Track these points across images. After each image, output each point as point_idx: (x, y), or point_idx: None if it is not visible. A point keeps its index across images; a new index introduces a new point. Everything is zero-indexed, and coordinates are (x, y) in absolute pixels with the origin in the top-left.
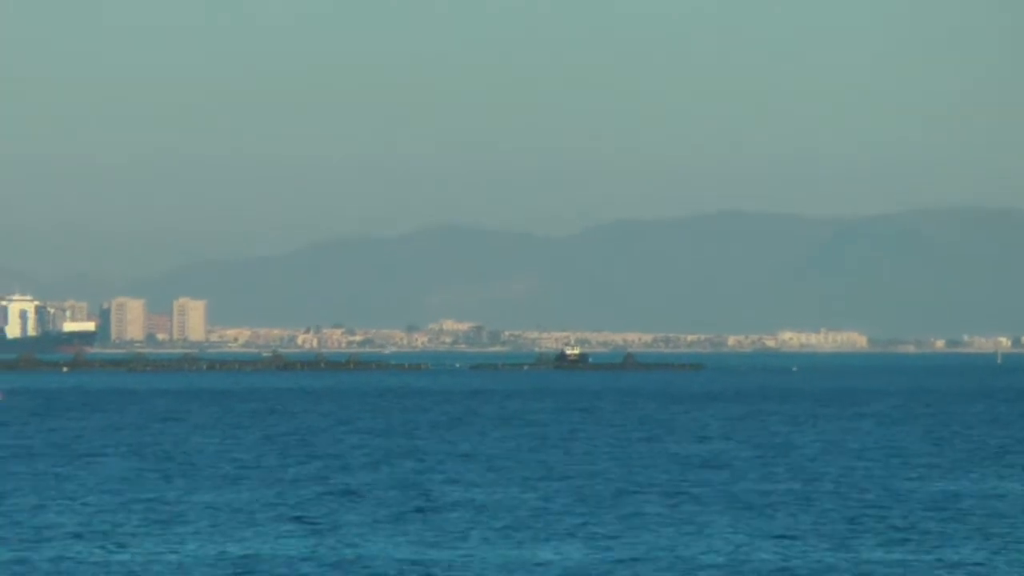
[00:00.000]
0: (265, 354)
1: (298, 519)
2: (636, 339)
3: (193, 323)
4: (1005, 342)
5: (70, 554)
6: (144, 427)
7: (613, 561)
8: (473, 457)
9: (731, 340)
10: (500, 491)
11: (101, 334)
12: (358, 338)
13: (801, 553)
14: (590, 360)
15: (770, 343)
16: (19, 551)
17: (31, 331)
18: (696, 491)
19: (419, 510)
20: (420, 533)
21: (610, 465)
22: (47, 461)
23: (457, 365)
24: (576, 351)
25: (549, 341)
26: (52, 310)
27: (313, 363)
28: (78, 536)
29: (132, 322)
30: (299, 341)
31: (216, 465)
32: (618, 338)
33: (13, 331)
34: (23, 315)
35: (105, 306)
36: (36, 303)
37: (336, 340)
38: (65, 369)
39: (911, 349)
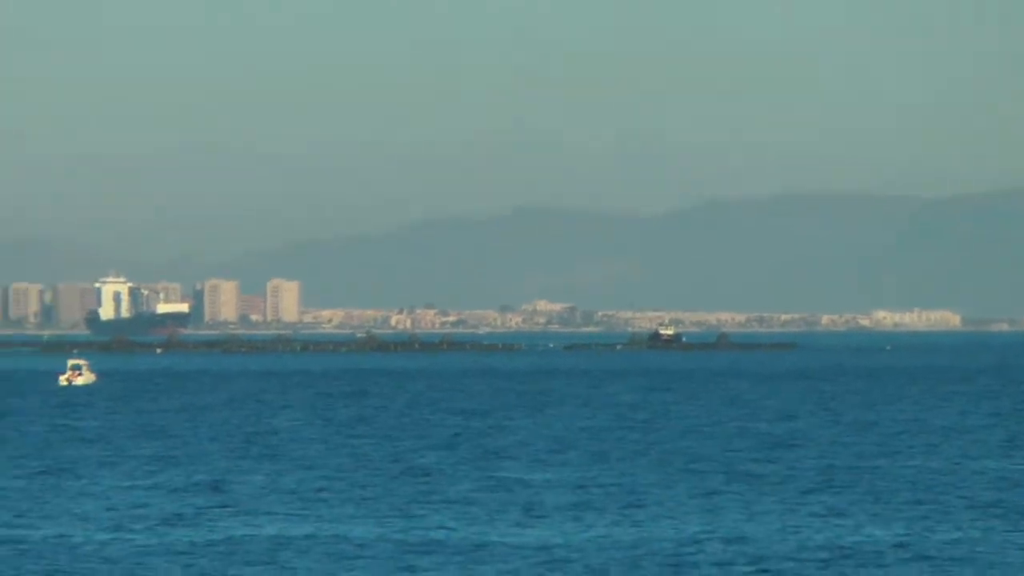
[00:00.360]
0: (359, 335)
1: (366, 501)
2: (729, 319)
3: (287, 304)
4: None
5: (154, 539)
6: (232, 408)
7: (679, 540)
8: (557, 438)
9: (824, 319)
10: (572, 471)
11: (195, 315)
12: (451, 319)
13: (854, 531)
14: (683, 340)
15: (863, 322)
16: (110, 532)
17: (125, 313)
18: (764, 469)
19: (494, 489)
20: (506, 514)
21: (692, 443)
22: (134, 442)
23: (551, 345)
24: (670, 331)
25: (642, 321)
26: (146, 292)
27: (407, 344)
28: (165, 521)
29: (226, 303)
30: (393, 322)
31: (294, 446)
32: (711, 318)
33: (107, 313)
34: (117, 297)
35: (199, 287)
36: (130, 285)
37: (430, 321)
38: (159, 351)
39: (1004, 327)
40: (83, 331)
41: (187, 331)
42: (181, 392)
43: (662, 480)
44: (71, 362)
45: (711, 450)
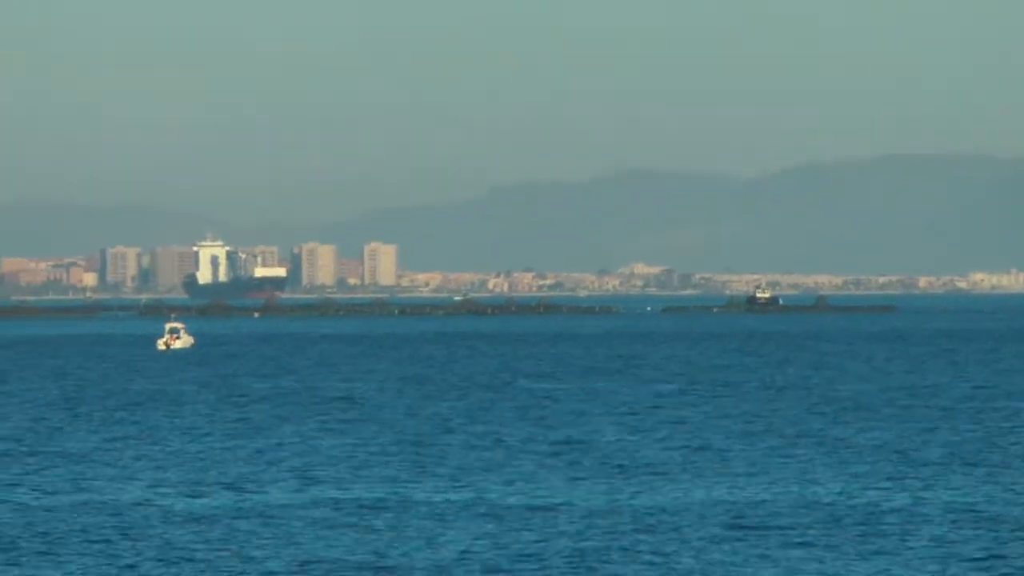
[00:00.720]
0: (456, 298)
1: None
2: (827, 281)
3: (384, 268)
4: None
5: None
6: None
7: (734, 502)
8: (634, 402)
9: (922, 281)
10: (634, 438)
11: (292, 279)
12: (548, 282)
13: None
14: (780, 303)
15: (961, 284)
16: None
17: (222, 277)
18: (823, 434)
19: (559, 452)
20: (569, 476)
21: (756, 406)
22: (226, 406)
23: (648, 308)
24: (767, 294)
25: (739, 284)
26: (243, 256)
27: (503, 307)
28: (228, 486)
29: (323, 267)
30: (490, 285)
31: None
32: (809, 280)
33: (204, 277)
34: (214, 261)
35: (296, 251)
36: (227, 249)
37: (527, 284)
38: (256, 315)
39: None
40: (181, 295)
41: (284, 295)
42: (275, 357)
43: (734, 444)
44: (169, 326)
45: (778, 415)
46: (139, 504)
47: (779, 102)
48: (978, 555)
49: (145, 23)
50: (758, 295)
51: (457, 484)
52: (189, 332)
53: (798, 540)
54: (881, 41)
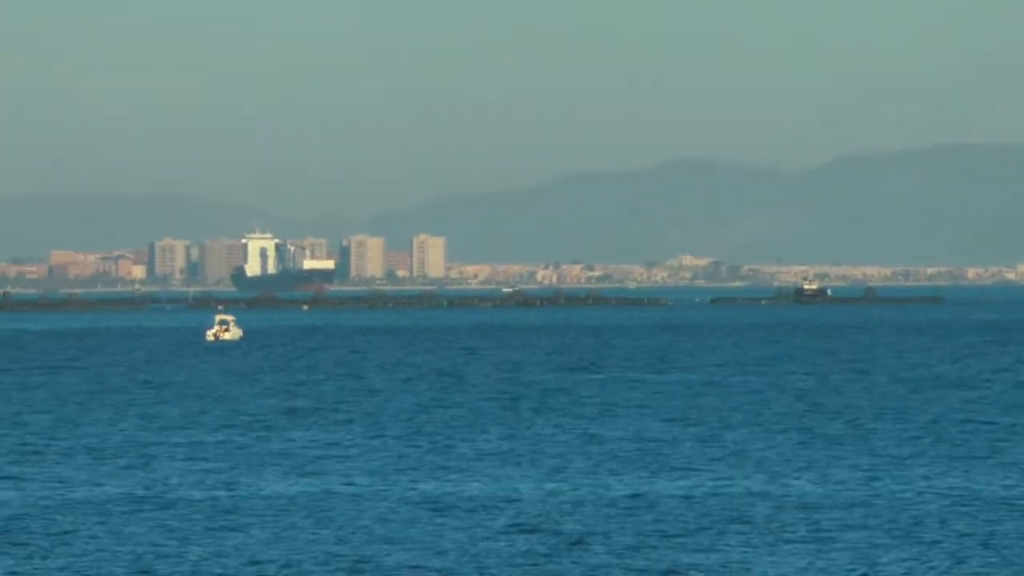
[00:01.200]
0: (505, 290)
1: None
2: (875, 273)
3: (433, 260)
4: None
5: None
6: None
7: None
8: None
9: (971, 272)
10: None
11: (340, 271)
12: (597, 273)
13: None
14: (829, 294)
15: (1010, 275)
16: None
17: (271, 269)
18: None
19: (587, 443)
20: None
21: (779, 397)
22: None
23: (697, 300)
24: (814, 286)
25: (788, 276)
26: (292, 248)
27: (552, 299)
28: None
29: (372, 259)
30: (539, 277)
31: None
32: (857, 272)
33: (253, 269)
34: (263, 253)
35: (345, 243)
36: (276, 241)
37: (575, 276)
38: (305, 307)
39: None
40: (229, 288)
41: (333, 287)
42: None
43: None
44: (218, 318)
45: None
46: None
47: (828, 94)
48: None
49: (181, 10)
50: (805, 287)
51: (425, 478)
52: (238, 324)
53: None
54: (931, 28)
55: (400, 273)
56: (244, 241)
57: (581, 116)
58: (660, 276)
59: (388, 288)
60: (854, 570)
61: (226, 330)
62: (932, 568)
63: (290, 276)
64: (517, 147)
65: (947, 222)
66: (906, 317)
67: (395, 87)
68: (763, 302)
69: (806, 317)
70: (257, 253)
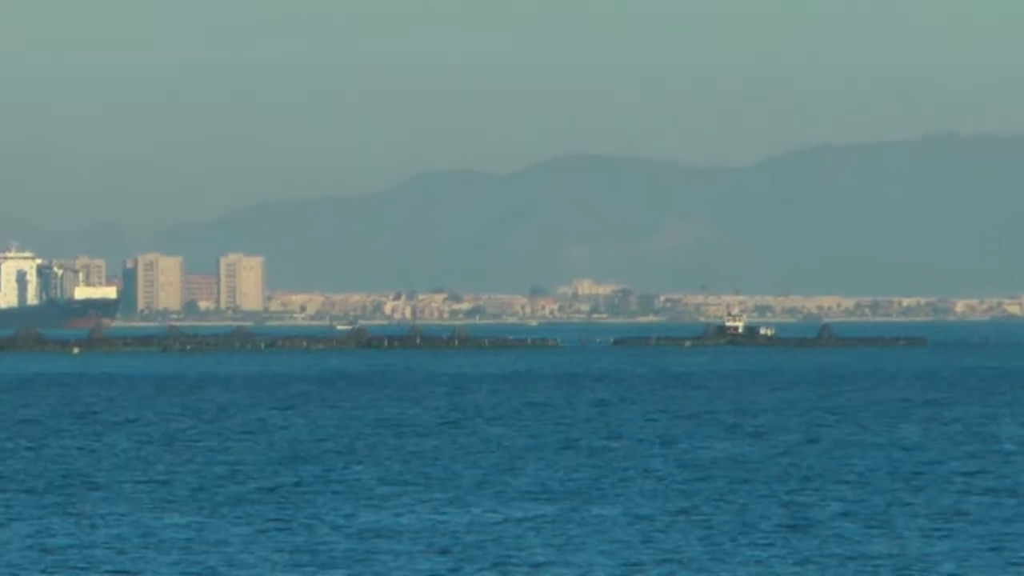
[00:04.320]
0: (341, 327)
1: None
2: (834, 304)
3: (247, 287)
4: None
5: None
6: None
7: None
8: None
9: (960, 306)
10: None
11: (125, 302)
12: (465, 306)
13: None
14: (765, 333)
15: (1012, 309)
16: None
17: (31, 299)
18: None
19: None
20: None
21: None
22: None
23: (597, 340)
24: (739, 322)
25: (718, 308)
26: (60, 271)
27: (406, 339)
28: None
29: (166, 286)
30: (387, 310)
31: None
32: (810, 304)
33: (8, 299)
34: (20, 277)
35: (129, 265)
36: (38, 261)
37: (436, 309)
38: (76, 350)
39: None
40: None
41: (114, 323)
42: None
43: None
44: None
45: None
46: None
47: (775, 69)
48: None
49: None
50: (728, 324)
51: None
52: None
53: None
54: (916, 13)
55: (204, 304)
56: None
57: (444, 101)
58: (549, 309)
59: (187, 325)
60: None
61: None
62: None
63: (58, 308)
64: (360, 141)
65: (929, 238)
66: (872, 365)
67: (191, 61)
68: (687, 343)
69: (723, 366)
70: (13, 277)
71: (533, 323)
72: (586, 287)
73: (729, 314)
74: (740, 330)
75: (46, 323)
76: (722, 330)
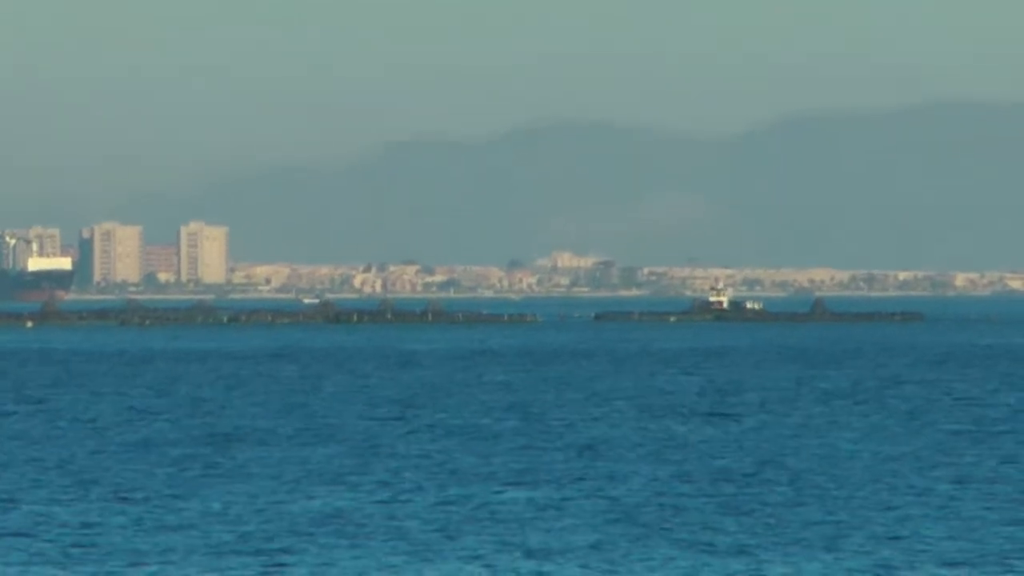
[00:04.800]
0: (308, 301)
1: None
2: (827, 278)
3: (209, 258)
4: None
5: None
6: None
7: None
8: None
9: (959, 279)
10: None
11: (81, 274)
12: (438, 278)
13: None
14: (752, 307)
15: (1014, 284)
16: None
17: None
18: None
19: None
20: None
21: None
22: None
23: (576, 315)
24: (724, 296)
25: (705, 282)
26: (12, 240)
27: (377, 314)
28: None
29: (123, 257)
30: (357, 283)
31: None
32: (802, 277)
33: None
34: None
35: (86, 235)
36: None
37: (408, 282)
38: (30, 324)
39: None
40: None
41: (69, 296)
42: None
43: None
44: None
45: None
46: None
47: (763, 31)
48: None
49: None
50: (712, 298)
51: None
52: None
53: None
54: None
55: (163, 276)
56: None
57: (415, 62)
58: (527, 282)
59: (147, 298)
60: None
61: None
62: None
63: (9, 280)
64: (329, 107)
65: (927, 207)
66: (868, 337)
67: (150, 35)
68: (672, 319)
69: (714, 342)
70: None
71: (515, 297)
72: (566, 260)
73: (713, 288)
74: (725, 305)
75: None
76: (706, 305)
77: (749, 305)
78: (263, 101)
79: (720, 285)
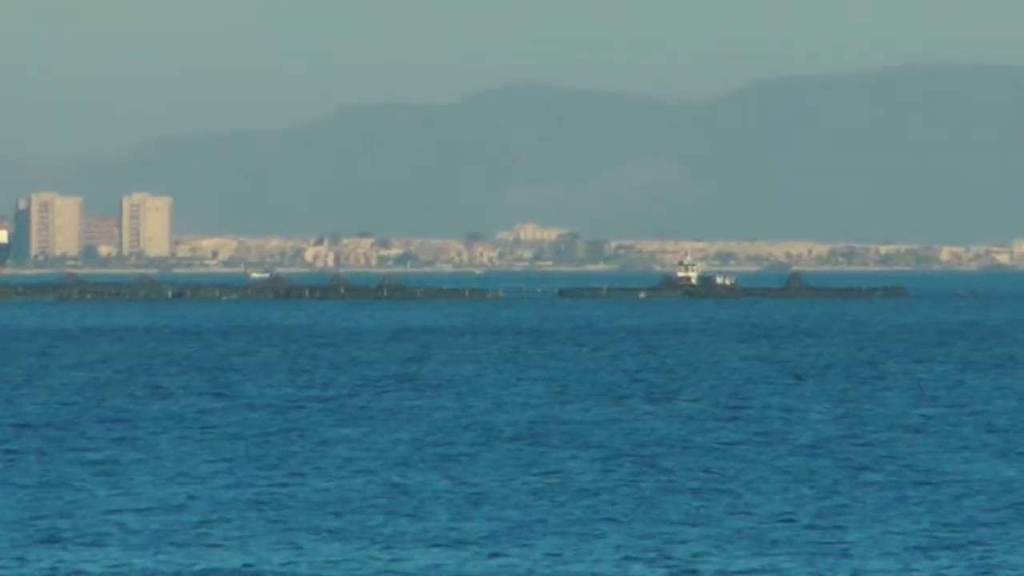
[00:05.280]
0: (256, 275)
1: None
2: (805, 251)
3: (152, 231)
4: None
5: None
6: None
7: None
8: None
9: (944, 253)
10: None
11: (17, 247)
12: (394, 252)
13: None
14: (724, 282)
15: (1001, 258)
16: None
17: None
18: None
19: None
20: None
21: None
22: None
23: (539, 290)
24: (692, 272)
25: (675, 256)
26: None
27: (329, 289)
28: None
29: (62, 229)
30: (308, 256)
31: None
32: (778, 251)
33: None
34: None
35: (22, 206)
36: None
37: (363, 255)
38: None
39: None
40: None
41: (5, 270)
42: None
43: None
44: None
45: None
46: None
47: (739, 0)
48: None
49: None
50: (679, 273)
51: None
52: None
53: None
54: None
55: (104, 250)
56: None
57: (371, 23)
58: (487, 256)
59: (87, 272)
60: None
61: None
62: None
63: None
64: (279, 69)
65: (911, 177)
66: (845, 314)
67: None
68: (642, 294)
69: (683, 317)
70: None
71: (478, 271)
72: (529, 232)
73: (681, 263)
74: (694, 281)
75: None
76: (674, 280)
77: (720, 280)
78: (202, 64)
79: (688, 259)
